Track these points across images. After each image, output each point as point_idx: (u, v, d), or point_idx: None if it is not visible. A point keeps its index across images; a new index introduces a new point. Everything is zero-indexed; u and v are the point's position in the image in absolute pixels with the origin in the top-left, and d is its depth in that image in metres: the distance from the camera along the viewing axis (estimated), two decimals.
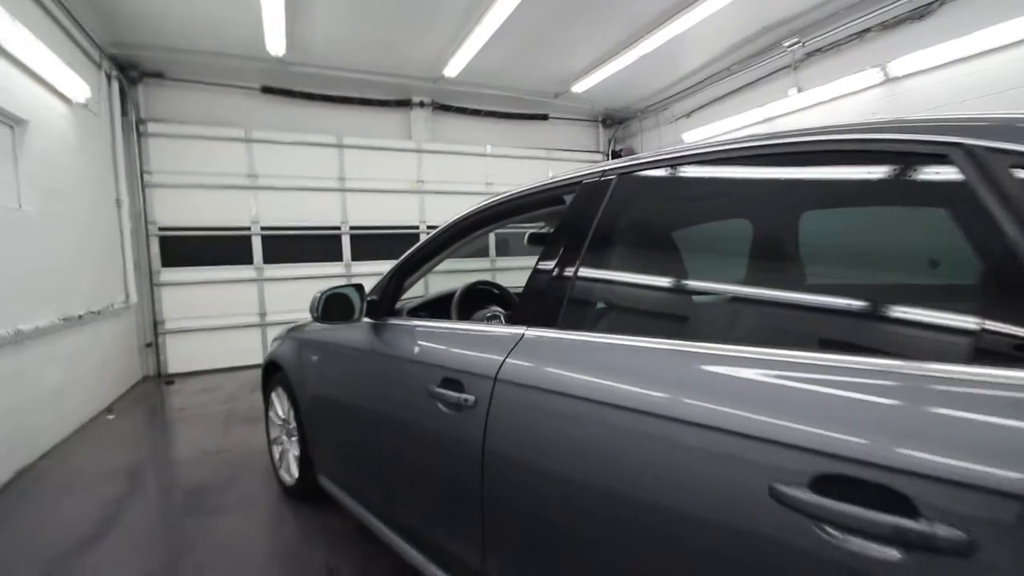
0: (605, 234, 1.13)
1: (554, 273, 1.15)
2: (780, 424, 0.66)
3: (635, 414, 0.83)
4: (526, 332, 1.14)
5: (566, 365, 1.00)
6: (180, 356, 5.37)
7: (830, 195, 0.94)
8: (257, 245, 5.65)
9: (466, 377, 1.20)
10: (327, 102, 5.98)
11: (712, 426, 0.73)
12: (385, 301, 1.74)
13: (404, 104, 6.39)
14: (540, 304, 1.15)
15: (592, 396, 0.91)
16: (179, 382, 5.04)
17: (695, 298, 1.10)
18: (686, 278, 1.17)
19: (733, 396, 0.73)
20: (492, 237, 6.93)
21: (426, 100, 6.46)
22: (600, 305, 1.17)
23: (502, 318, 1.86)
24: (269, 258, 5.70)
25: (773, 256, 1.05)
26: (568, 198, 1.25)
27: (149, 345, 5.27)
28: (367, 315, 1.72)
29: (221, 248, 5.49)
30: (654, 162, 1.10)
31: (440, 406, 1.24)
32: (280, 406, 2.40)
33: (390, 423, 1.51)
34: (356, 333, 1.75)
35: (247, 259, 5.62)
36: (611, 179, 1.15)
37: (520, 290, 2.45)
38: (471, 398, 1.15)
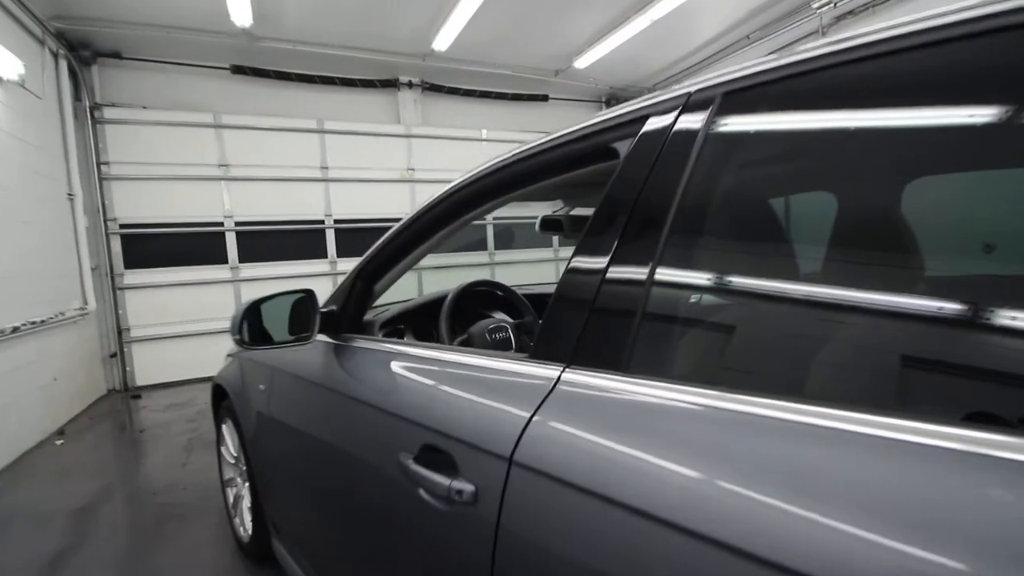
0: (700, 206, 0.63)
1: (608, 275, 0.65)
2: None
3: None
4: (564, 374, 0.65)
5: (660, 451, 0.51)
6: (149, 366, 4.86)
7: None
8: (231, 242, 5.12)
9: (460, 450, 0.71)
10: (305, 83, 5.44)
11: None
12: (348, 312, 1.25)
13: (391, 84, 5.85)
14: (585, 328, 0.66)
15: (733, 542, 0.42)
16: (147, 395, 4.55)
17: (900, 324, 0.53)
18: (889, 286, 0.54)
19: None
20: (490, 227, 6.42)
21: (415, 80, 5.92)
22: (708, 333, 0.66)
23: (511, 331, 1.37)
24: (245, 256, 5.17)
25: None
26: (622, 148, 0.74)
27: (114, 356, 4.76)
28: (322, 331, 1.23)
29: (191, 246, 4.95)
30: (794, 63, 0.56)
31: (421, 493, 0.76)
32: (231, 442, 1.91)
33: (355, 496, 1.02)
34: (309, 355, 1.26)
35: (221, 258, 5.09)
36: (705, 110, 0.65)
37: (531, 290, 1.97)
38: (468, 489, 0.67)
